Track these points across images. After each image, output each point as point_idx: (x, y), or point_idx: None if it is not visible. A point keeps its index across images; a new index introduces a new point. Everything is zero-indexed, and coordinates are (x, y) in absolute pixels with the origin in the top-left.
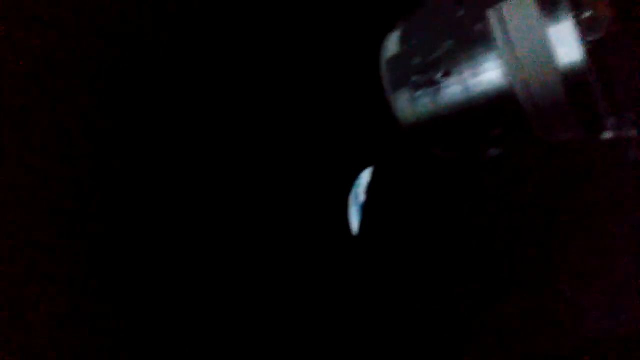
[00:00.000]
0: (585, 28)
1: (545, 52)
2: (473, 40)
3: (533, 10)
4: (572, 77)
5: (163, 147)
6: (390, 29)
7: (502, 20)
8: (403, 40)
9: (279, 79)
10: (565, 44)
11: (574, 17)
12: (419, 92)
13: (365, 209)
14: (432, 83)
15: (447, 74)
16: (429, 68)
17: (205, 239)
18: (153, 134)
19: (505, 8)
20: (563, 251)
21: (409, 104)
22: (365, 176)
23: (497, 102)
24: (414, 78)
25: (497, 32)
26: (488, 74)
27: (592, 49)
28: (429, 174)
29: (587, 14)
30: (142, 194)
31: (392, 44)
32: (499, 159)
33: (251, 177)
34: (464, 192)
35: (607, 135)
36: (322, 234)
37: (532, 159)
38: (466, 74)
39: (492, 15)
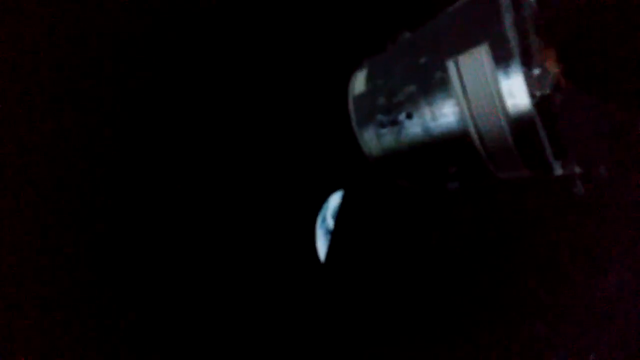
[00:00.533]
0: (533, 83)
1: (495, 103)
2: (433, 87)
3: (487, 64)
4: (519, 126)
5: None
6: (357, 66)
7: (459, 71)
8: (369, 80)
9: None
10: (514, 96)
11: (523, 72)
12: (383, 130)
13: (333, 237)
14: (396, 123)
15: (409, 116)
16: (392, 109)
17: (180, 253)
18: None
19: (462, 60)
20: (535, 283)
21: (374, 140)
22: (333, 200)
23: (454, 144)
24: (379, 117)
25: (454, 82)
26: (446, 118)
27: (539, 101)
28: (399, 202)
29: (536, 71)
30: (134, 194)
31: (359, 83)
32: (469, 189)
33: (222, 199)
34: (434, 221)
35: (555, 173)
36: (290, 262)
37: (506, 189)
38: (427, 117)
39: (450, 66)
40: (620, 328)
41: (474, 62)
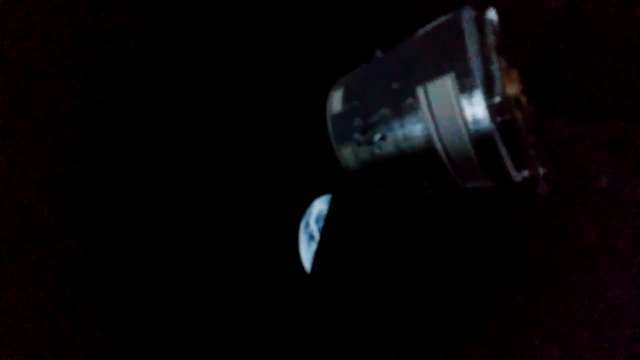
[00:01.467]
0: (494, 108)
1: (460, 127)
2: (405, 111)
3: (452, 93)
4: (480, 146)
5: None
6: (334, 81)
7: (428, 98)
8: (345, 100)
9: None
10: (477, 121)
11: (485, 100)
12: (360, 148)
13: (321, 244)
14: (371, 143)
15: (383, 138)
16: (368, 129)
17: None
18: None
19: (430, 88)
20: (535, 291)
21: (352, 156)
22: (316, 205)
23: (425, 161)
24: (355, 136)
25: (423, 108)
26: (417, 139)
27: (500, 122)
28: (392, 208)
29: (497, 98)
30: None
31: (336, 102)
32: (467, 194)
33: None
34: (428, 227)
35: (517, 180)
36: (274, 268)
37: (504, 196)
38: (399, 137)
39: (420, 92)
40: (622, 335)
41: (441, 90)
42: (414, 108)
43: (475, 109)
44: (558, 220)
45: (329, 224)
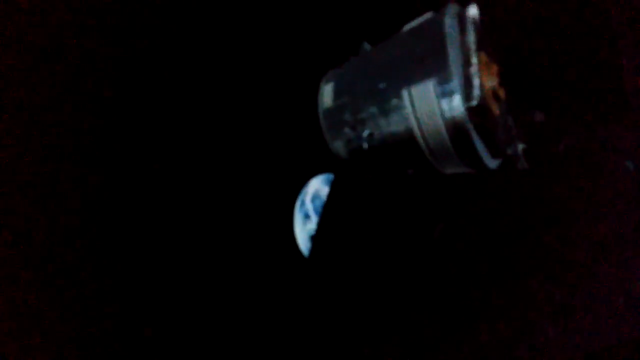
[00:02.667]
0: (472, 111)
1: (440, 126)
2: (391, 110)
3: (434, 96)
4: (458, 141)
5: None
6: (324, 73)
7: (411, 100)
8: (336, 96)
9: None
10: (456, 122)
11: (464, 103)
12: (349, 141)
13: (321, 228)
14: (360, 138)
15: (371, 135)
16: (357, 125)
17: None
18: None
19: (414, 91)
20: (550, 283)
21: (342, 147)
22: (312, 184)
23: (410, 154)
24: (346, 130)
25: (408, 108)
26: (402, 135)
27: (477, 118)
28: (399, 192)
29: (474, 102)
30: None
31: (327, 97)
32: (479, 178)
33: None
34: (438, 212)
35: (491, 167)
36: (269, 255)
37: (516, 182)
38: (386, 134)
39: (405, 95)
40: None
41: (424, 94)
42: (399, 108)
43: (454, 111)
44: (571, 206)
45: (331, 204)
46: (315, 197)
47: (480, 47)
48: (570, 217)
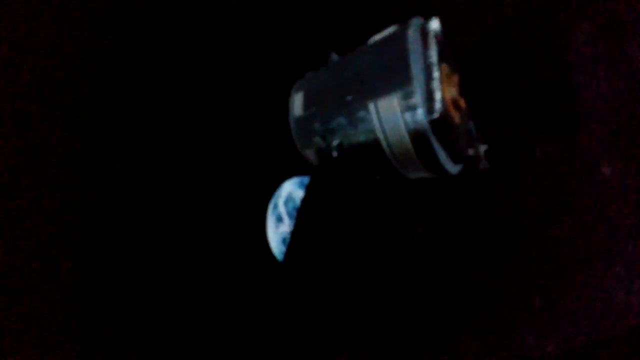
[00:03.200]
0: (434, 123)
1: (404, 136)
2: (358, 121)
3: (398, 110)
4: (422, 151)
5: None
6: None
7: (377, 112)
8: (305, 105)
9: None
10: (418, 133)
11: (426, 115)
12: (320, 149)
13: (297, 232)
14: (330, 147)
15: (340, 144)
16: (327, 134)
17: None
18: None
19: (380, 104)
20: (534, 288)
21: (313, 154)
22: (285, 186)
23: (377, 162)
24: (316, 139)
25: (374, 120)
26: (369, 145)
27: (436, 124)
28: (375, 193)
29: (436, 115)
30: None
31: (297, 106)
32: (458, 180)
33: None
34: (417, 214)
35: (452, 173)
36: (241, 258)
37: (499, 180)
38: (354, 143)
39: (371, 107)
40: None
41: (388, 108)
42: (367, 120)
43: (418, 124)
44: (550, 210)
45: (306, 207)
46: (288, 200)
47: (442, 58)
48: (549, 221)
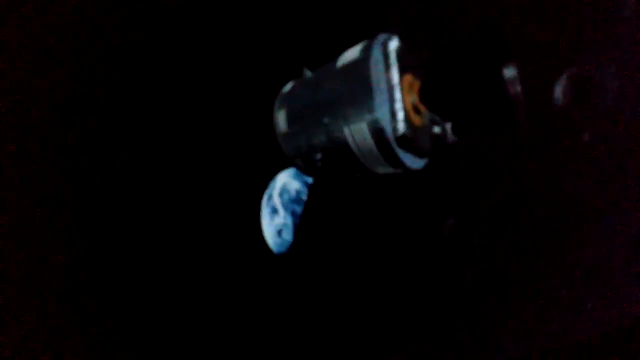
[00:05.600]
0: (399, 139)
1: (375, 152)
2: (335, 141)
3: (368, 134)
4: (390, 159)
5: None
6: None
7: (352, 135)
8: (289, 122)
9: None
10: (387, 149)
11: (392, 135)
12: (306, 160)
13: (306, 221)
14: (314, 159)
15: (323, 159)
16: (311, 151)
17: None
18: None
19: (353, 129)
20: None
21: (300, 162)
22: (280, 177)
23: (354, 165)
24: (301, 151)
25: (349, 141)
26: (347, 156)
27: (401, 139)
28: (403, 184)
29: (400, 133)
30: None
31: (281, 122)
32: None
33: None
34: (447, 207)
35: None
36: (236, 250)
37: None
38: (334, 157)
39: (345, 131)
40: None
41: (360, 130)
42: (342, 139)
43: (384, 141)
44: (595, 202)
45: (314, 199)
46: (283, 191)
47: (404, 70)
48: (593, 214)
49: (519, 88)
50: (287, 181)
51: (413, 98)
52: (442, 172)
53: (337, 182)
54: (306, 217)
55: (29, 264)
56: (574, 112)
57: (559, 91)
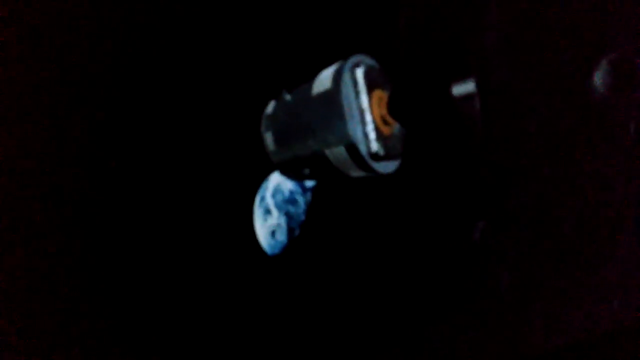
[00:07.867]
0: (373, 155)
1: (351, 166)
2: (319, 162)
3: (346, 157)
4: (364, 169)
5: None
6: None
7: (333, 156)
8: (276, 143)
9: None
10: (364, 165)
11: (367, 155)
12: (295, 171)
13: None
14: (303, 172)
15: (310, 173)
16: (298, 167)
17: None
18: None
19: (332, 151)
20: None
21: (289, 173)
22: (273, 178)
23: (337, 175)
24: (290, 166)
25: (333, 160)
26: (330, 172)
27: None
28: (431, 183)
29: (373, 152)
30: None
31: (270, 142)
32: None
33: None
34: (479, 207)
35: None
36: (229, 251)
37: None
38: (319, 169)
39: (327, 152)
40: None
41: (339, 153)
42: (325, 160)
43: (360, 158)
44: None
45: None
46: (276, 192)
47: (374, 87)
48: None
49: (477, 105)
50: (280, 181)
51: (382, 111)
52: (467, 172)
53: (348, 184)
54: (311, 216)
55: (22, 267)
56: (615, 102)
57: (598, 79)
